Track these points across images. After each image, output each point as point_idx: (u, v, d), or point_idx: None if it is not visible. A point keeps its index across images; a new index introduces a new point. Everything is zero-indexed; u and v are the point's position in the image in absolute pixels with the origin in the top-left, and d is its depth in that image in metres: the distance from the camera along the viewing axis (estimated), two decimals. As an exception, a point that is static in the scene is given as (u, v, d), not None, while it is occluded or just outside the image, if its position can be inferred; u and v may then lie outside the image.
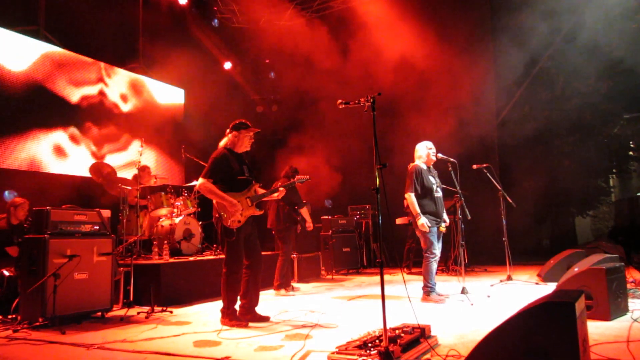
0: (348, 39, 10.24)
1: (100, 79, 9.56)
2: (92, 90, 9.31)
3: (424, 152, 5.94)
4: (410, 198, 5.71)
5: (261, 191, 5.03)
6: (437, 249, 5.77)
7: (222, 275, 4.73)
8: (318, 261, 9.19)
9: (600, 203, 15.30)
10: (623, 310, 4.44)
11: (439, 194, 5.89)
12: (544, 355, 2.44)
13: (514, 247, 7.77)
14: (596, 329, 3.89)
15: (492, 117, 11.46)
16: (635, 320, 4.17)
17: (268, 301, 6.16)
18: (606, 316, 4.19)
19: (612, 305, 4.23)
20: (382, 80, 9.81)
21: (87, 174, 7.64)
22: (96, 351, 3.80)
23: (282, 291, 6.95)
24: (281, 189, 5.04)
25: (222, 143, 5.01)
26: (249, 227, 4.88)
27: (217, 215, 4.77)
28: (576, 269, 4.96)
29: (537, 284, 6.81)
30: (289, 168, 7.16)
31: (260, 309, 4.98)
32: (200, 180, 4.73)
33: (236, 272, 4.72)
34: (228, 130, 5.01)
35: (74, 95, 8.96)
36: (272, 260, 8.02)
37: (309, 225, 7.28)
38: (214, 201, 4.76)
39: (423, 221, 5.63)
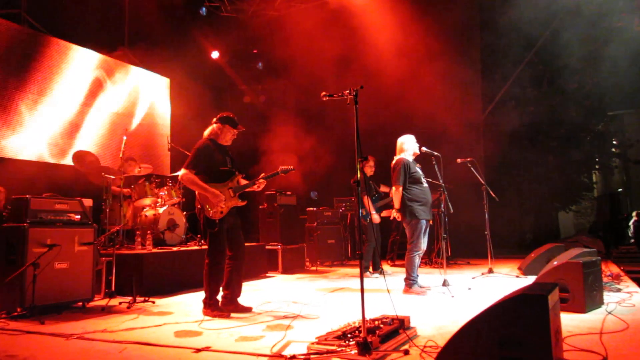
0: (337, 31, 10.23)
1: (82, 65, 9.43)
2: (74, 76, 9.19)
3: (410, 145, 5.99)
4: (398, 191, 5.76)
5: (244, 182, 5.02)
6: (423, 242, 5.83)
7: (205, 266, 4.74)
8: (302, 253, 9.23)
9: (582, 198, 15.53)
10: (598, 303, 4.53)
11: (426, 185, 5.95)
12: (517, 346, 2.49)
13: (498, 241, 7.87)
14: (571, 321, 3.97)
15: (478, 111, 11.54)
16: (609, 312, 4.26)
17: (251, 292, 6.18)
18: (582, 309, 4.28)
19: (587, 298, 4.31)
20: (368, 73, 9.82)
21: (70, 162, 7.56)
22: (75, 341, 3.79)
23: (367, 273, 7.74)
24: (262, 180, 5.01)
25: (206, 132, 5.00)
26: (232, 218, 4.88)
27: (199, 206, 4.77)
28: (555, 263, 5.04)
29: (517, 277, 6.91)
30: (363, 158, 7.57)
31: (243, 300, 5.00)
32: (182, 171, 4.72)
33: (219, 263, 4.73)
34: (214, 120, 5.00)
35: (56, 81, 8.83)
36: (257, 251, 8.06)
37: (375, 218, 7.73)
38: (196, 192, 4.76)
39: (394, 215, 5.89)
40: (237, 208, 4.92)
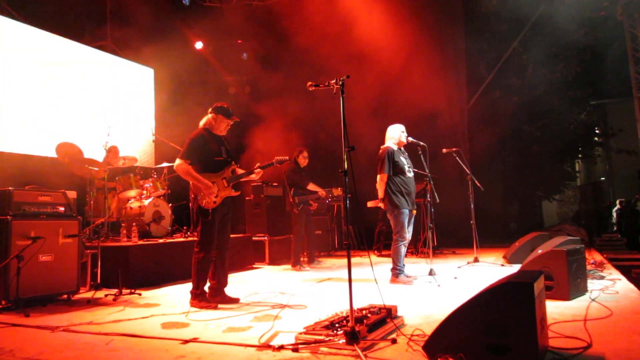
0: (322, 20, 10.17)
1: (64, 56, 9.26)
2: (55, 67, 9.03)
3: (396, 134, 6.00)
4: (382, 180, 5.78)
5: (240, 172, 5.03)
6: (408, 232, 5.86)
7: (194, 255, 4.75)
8: (289, 244, 9.20)
9: (566, 187, 15.71)
10: (582, 290, 4.60)
11: (410, 174, 5.97)
12: (504, 333, 2.52)
13: (483, 230, 7.93)
14: (556, 309, 4.02)
15: (462, 101, 11.59)
16: (593, 300, 4.33)
17: (238, 283, 6.18)
18: (566, 296, 4.34)
19: (571, 286, 4.37)
20: (354, 64, 9.79)
21: (53, 154, 7.45)
22: (61, 333, 3.75)
23: (300, 267, 7.57)
24: (258, 170, 5.04)
25: (201, 123, 5.02)
26: (225, 208, 4.90)
27: (192, 195, 4.81)
28: (539, 251, 5.10)
29: (502, 265, 6.98)
30: (298, 149, 7.74)
31: (230, 291, 5.00)
32: (177, 161, 4.73)
33: (208, 252, 4.74)
34: (209, 110, 5.00)
35: (37, 73, 8.67)
36: (243, 242, 8.04)
37: (322, 192, 7.77)
38: (190, 182, 4.77)
39: (380, 204, 5.97)
40: (230, 198, 4.94)
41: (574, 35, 12.17)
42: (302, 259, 7.79)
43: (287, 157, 5.29)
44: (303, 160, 7.76)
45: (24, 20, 8.64)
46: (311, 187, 7.62)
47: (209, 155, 4.81)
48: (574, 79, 13.18)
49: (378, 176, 5.86)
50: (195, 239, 4.81)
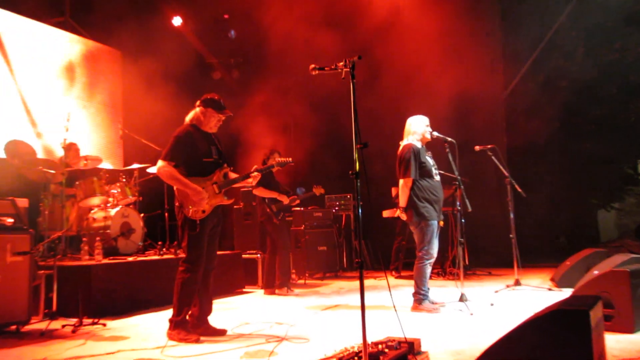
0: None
1: (13, 35, 9.30)
2: (3, 48, 9.06)
3: (420, 128, 5.96)
4: (406, 186, 5.74)
5: (233, 176, 5.04)
6: (435, 248, 5.83)
7: (178, 274, 4.76)
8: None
9: (627, 194, 15.59)
10: (649, 320, 4.56)
11: (438, 177, 5.94)
12: (554, 373, 2.49)
13: (524, 246, 7.89)
14: (617, 344, 3.99)
15: (498, 88, 11.54)
16: (662, 332, 4.30)
17: (224, 311, 6.17)
18: (629, 328, 4.30)
19: (636, 315, 4.34)
20: (368, 45, 9.78)
21: (1, 154, 7.47)
22: (8, 373, 3.75)
23: (288, 290, 7.56)
24: (255, 173, 5.04)
25: (188, 117, 5.04)
26: (216, 219, 4.93)
27: (177, 203, 4.82)
28: (596, 272, 5.07)
29: (550, 289, 6.95)
30: (268, 151, 7.58)
31: (215, 321, 4.99)
32: (160, 163, 4.75)
33: (196, 272, 4.75)
34: (197, 104, 5.03)
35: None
36: (231, 261, 8.03)
37: (285, 200, 7.60)
38: (175, 188, 4.79)
39: (399, 214, 5.99)
40: (222, 207, 4.96)
41: (636, 6, 12.10)
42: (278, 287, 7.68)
43: (290, 159, 5.33)
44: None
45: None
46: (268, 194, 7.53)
47: (196, 155, 4.82)
48: (634, 61, 13.12)
49: (401, 181, 5.81)
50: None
